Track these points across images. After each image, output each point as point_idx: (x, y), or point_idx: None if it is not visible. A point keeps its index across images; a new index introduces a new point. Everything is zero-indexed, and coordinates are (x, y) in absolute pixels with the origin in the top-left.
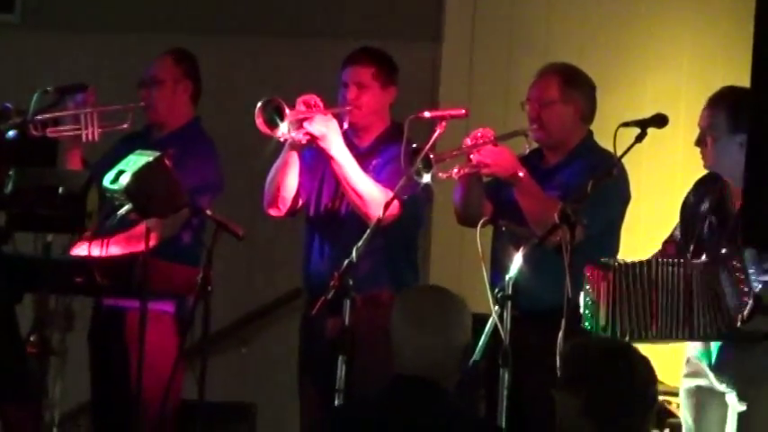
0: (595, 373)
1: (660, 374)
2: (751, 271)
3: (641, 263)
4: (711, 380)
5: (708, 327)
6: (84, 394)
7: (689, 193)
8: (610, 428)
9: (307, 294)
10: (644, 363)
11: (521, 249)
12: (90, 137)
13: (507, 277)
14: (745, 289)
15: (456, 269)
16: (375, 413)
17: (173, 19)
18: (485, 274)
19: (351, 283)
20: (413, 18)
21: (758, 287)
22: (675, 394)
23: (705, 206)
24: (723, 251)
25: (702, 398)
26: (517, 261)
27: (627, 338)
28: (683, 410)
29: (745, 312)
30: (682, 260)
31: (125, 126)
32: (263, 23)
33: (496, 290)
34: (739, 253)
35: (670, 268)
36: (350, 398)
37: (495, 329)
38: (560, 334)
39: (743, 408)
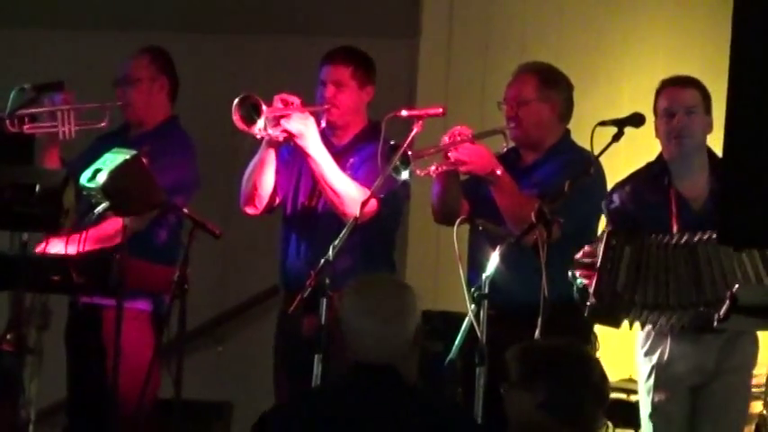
0: (553, 370)
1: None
2: None
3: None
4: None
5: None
6: (61, 392)
7: (617, 193)
8: (567, 423)
9: (283, 292)
10: (597, 360)
11: (497, 248)
12: (67, 135)
13: (484, 276)
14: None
15: (433, 268)
16: (338, 402)
17: (148, 16)
18: (461, 272)
19: (327, 281)
20: (390, 16)
21: (735, 287)
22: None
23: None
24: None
25: (670, 399)
26: (494, 260)
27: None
28: (644, 413)
29: (722, 312)
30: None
31: (102, 124)
32: (240, 21)
33: (473, 288)
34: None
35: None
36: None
37: (471, 328)
38: (537, 332)
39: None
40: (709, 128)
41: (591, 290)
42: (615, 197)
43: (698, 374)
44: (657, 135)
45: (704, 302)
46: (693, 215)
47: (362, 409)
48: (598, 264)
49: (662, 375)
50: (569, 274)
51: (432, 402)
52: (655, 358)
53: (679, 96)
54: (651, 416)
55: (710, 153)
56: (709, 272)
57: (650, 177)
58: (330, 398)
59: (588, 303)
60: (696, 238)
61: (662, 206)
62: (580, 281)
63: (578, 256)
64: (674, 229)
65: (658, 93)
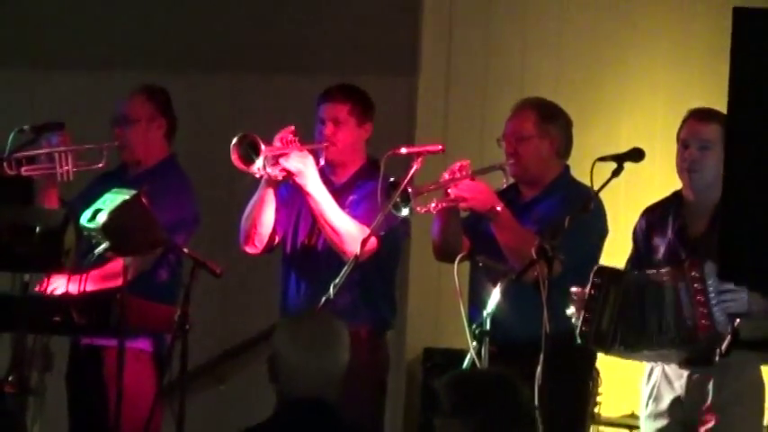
0: (485, 400)
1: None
2: (710, 282)
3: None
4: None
5: (669, 336)
6: None
7: (642, 220)
8: None
9: None
10: (525, 388)
11: (498, 284)
12: (65, 176)
13: (485, 312)
14: (701, 299)
15: (434, 305)
16: None
17: (146, 56)
18: (462, 309)
19: None
20: (389, 53)
21: (737, 321)
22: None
23: (667, 234)
24: (686, 262)
25: None
26: (495, 296)
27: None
28: None
29: (724, 346)
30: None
31: (100, 165)
32: (238, 59)
33: (474, 325)
34: (700, 265)
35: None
36: None
37: (473, 365)
38: (538, 369)
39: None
40: None
41: (576, 329)
42: (638, 224)
43: (685, 407)
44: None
45: (677, 340)
46: (688, 251)
47: None
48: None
49: (654, 404)
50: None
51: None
52: (650, 386)
53: (697, 130)
54: None
55: None
56: (672, 312)
57: (662, 209)
58: None
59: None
60: (665, 278)
61: (661, 241)
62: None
63: (574, 290)
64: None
65: (683, 121)
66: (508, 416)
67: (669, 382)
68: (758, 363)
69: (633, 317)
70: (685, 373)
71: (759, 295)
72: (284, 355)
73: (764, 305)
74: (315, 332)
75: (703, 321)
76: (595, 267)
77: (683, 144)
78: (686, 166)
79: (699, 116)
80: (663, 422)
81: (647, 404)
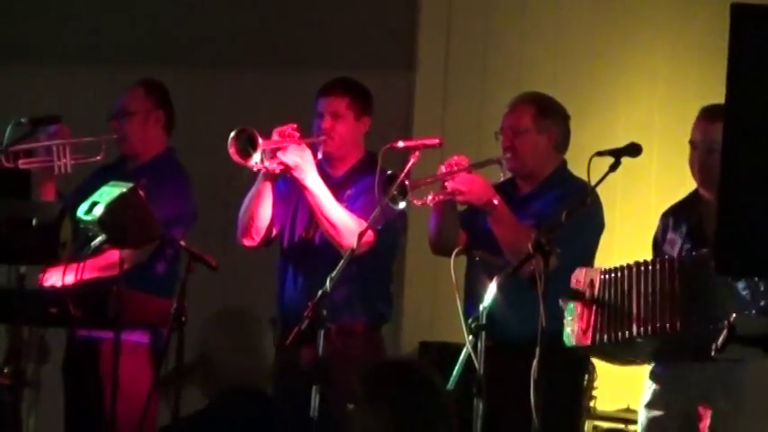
0: (400, 389)
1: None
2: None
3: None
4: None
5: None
6: (59, 426)
7: (660, 222)
8: None
9: (281, 325)
10: (439, 377)
11: (495, 279)
12: (63, 169)
13: (481, 307)
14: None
15: (430, 299)
16: (212, 427)
17: (144, 51)
18: (459, 303)
19: (324, 313)
20: (387, 48)
21: (732, 316)
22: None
23: (682, 231)
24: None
25: (664, 428)
26: (491, 291)
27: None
28: None
29: (719, 341)
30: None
31: (98, 158)
32: (236, 53)
33: (470, 320)
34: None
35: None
36: (324, 428)
37: (469, 359)
38: (534, 363)
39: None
40: None
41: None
42: (657, 228)
43: (687, 402)
44: None
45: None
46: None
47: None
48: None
49: (656, 399)
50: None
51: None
52: (653, 382)
53: (705, 130)
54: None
55: None
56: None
57: (679, 209)
58: (204, 424)
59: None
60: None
61: (677, 239)
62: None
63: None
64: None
65: (695, 120)
66: (423, 408)
67: (673, 374)
68: (754, 358)
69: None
70: (676, 370)
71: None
72: (217, 347)
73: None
74: (245, 327)
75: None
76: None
77: (693, 145)
78: (698, 167)
79: (707, 116)
80: (660, 412)
81: (648, 391)
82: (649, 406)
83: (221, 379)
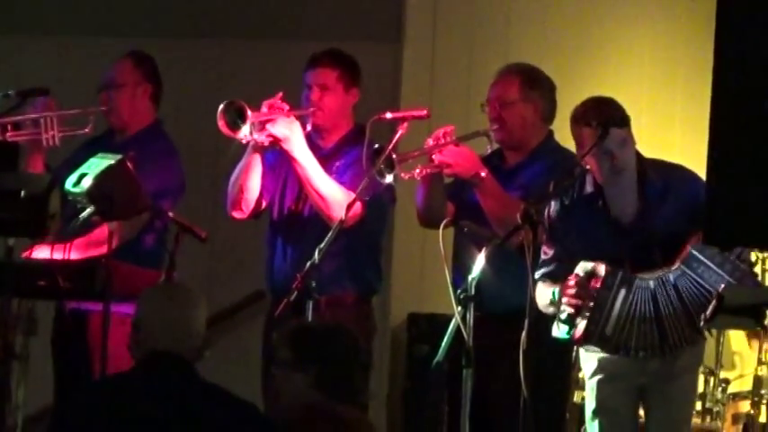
0: (324, 350)
1: None
2: (713, 263)
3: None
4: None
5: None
6: (48, 398)
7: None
8: (337, 397)
9: (270, 296)
10: (361, 339)
11: (483, 250)
12: (50, 141)
13: (470, 278)
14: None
15: (418, 270)
16: (131, 390)
17: (132, 23)
18: (447, 275)
19: (313, 284)
20: (374, 19)
21: (721, 286)
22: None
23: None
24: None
25: (616, 402)
26: (479, 262)
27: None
28: (590, 416)
29: (708, 311)
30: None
31: (86, 130)
32: (224, 26)
33: (459, 291)
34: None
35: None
36: None
37: (457, 330)
38: (523, 334)
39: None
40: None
41: (579, 327)
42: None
43: (643, 375)
44: None
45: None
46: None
47: (156, 397)
48: (590, 303)
49: (606, 373)
50: (553, 292)
51: (226, 400)
52: (599, 354)
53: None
54: (596, 412)
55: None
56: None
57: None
58: (122, 386)
59: (572, 337)
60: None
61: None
62: (566, 310)
63: (570, 283)
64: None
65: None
66: (346, 367)
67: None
68: (724, 326)
69: (646, 331)
70: None
71: None
72: (142, 317)
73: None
74: (173, 294)
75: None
76: (606, 268)
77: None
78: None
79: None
80: (617, 385)
81: (597, 368)
82: (605, 380)
83: (145, 344)
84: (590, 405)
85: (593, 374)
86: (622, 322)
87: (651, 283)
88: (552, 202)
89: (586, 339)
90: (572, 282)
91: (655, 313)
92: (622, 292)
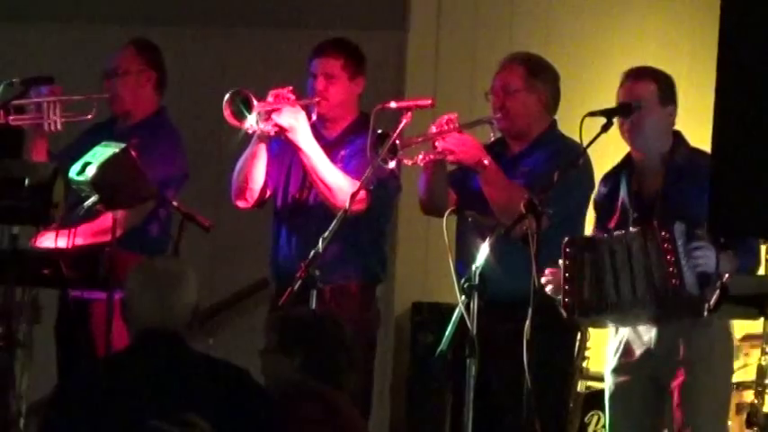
0: (310, 335)
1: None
2: (680, 242)
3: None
4: (644, 368)
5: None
6: (51, 386)
7: (599, 186)
8: (323, 380)
9: (275, 284)
10: (346, 324)
11: (487, 239)
12: (53, 127)
13: (474, 267)
14: (671, 258)
15: (422, 259)
16: (126, 368)
17: (137, 10)
18: (451, 264)
19: (317, 273)
20: (378, 7)
21: (725, 276)
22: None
23: (623, 194)
24: (655, 222)
25: (631, 392)
26: (483, 251)
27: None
28: (608, 403)
29: (712, 301)
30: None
31: (89, 117)
32: (229, 14)
33: (463, 280)
34: (669, 225)
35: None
36: None
37: (461, 319)
38: (527, 323)
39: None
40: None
41: (559, 304)
42: (596, 192)
43: (655, 361)
44: None
45: (648, 300)
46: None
47: (150, 373)
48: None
49: (622, 358)
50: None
51: (219, 369)
52: (618, 340)
53: (630, 90)
54: (611, 398)
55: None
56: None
57: (616, 172)
58: (118, 364)
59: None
60: (634, 238)
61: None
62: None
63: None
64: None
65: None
66: (332, 352)
67: (639, 336)
68: (728, 316)
69: (607, 281)
70: (654, 328)
71: (731, 255)
72: (130, 293)
73: (735, 265)
74: (160, 271)
75: (673, 280)
76: (565, 240)
77: None
78: (625, 128)
79: (632, 76)
80: (631, 376)
81: (614, 358)
82: (619, 369)
83: (135, 321)
84: (608, 390)
85: (611, 361)
86: (594, 282)
87: (615, 246)
88: (599, 186)
89: (570, 313)
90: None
91: (629, 265)
92: (587, 256)
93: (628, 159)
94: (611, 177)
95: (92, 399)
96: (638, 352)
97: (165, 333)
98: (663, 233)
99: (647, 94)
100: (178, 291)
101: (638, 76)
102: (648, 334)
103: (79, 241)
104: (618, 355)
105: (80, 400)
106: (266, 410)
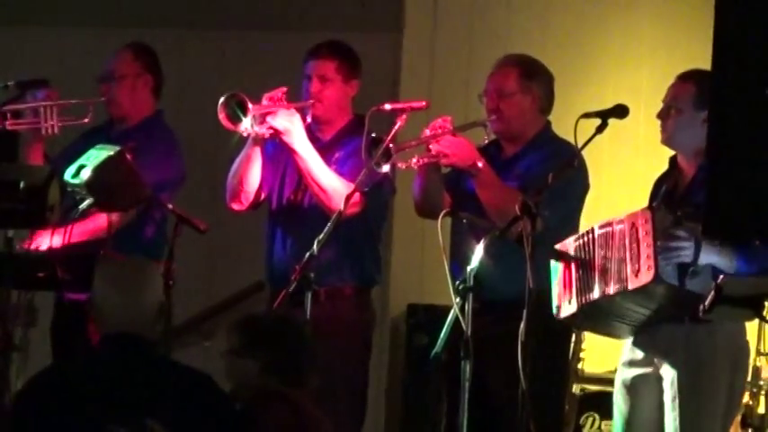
0: (274, 338)
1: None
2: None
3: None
4: (652, 365)
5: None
6: None
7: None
8: (286, 382)
9: (270, 287)
10: (308, 327)
11: (481, 241)
12: (50, 130)
13: (468, 269)
14: (649, 243)
15: (417, 261)
16: (90, 372)
17: (133, 13)
18: (446, 265)
19: (312, 275)
20: (374, 9)
21: (720, 278)
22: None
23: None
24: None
25: (639, 387)
26: (478, 253)
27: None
28: (617, 397)
29: (707, 303)
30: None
31: (86, 120)
32: (224, 17)
33: (458, 282)
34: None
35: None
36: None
37: (456, 321)
38: (522, 325)
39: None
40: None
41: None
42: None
43: (656, 362)
44: None
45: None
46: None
47: (110, 377)
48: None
49: (633, 352)
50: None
51: (181, 374)
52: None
53: (667, 92)
54: (620, 390)
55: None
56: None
57: (665, 174)
58: (82, 369)
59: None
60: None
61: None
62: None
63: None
64: None
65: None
66: (295, 353)
67: (636, 340)
68: (738, 318)
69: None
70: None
71: (726, 250)
72: (95, 295)
73: (728, 260)
74: (124, 274)
75: (649, 264)
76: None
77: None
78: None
79: (680, 77)
80: (638, 371)
81: (627, 351)
82: (627, 363)
83: (104, 322)
84: (616, 384)
85: (624, 354)
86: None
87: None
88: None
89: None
90: None
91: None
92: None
93: (673, 161)
94: (659, 181)
95: (50, 404)
96: (644, 348)
97: (129, 337)
98: (642, 219)
99: (681, 96)
100: (144, 290)
101: (687, 78)
102: (643, 334)
103: (72, 240)
104: (629, 348)
105: (39, 405)
106: (227, 418)
